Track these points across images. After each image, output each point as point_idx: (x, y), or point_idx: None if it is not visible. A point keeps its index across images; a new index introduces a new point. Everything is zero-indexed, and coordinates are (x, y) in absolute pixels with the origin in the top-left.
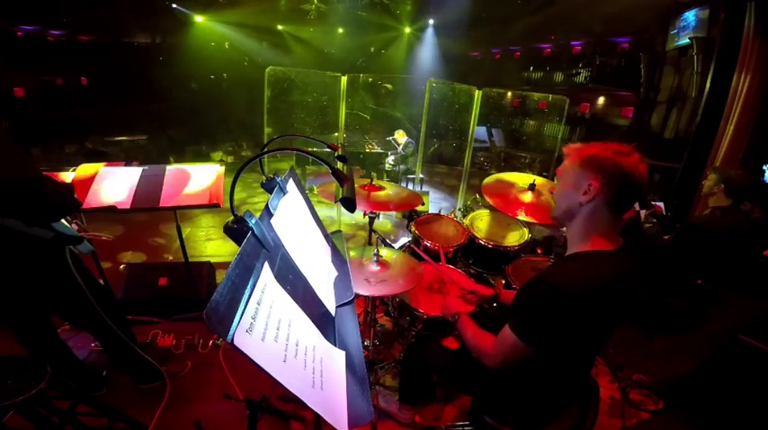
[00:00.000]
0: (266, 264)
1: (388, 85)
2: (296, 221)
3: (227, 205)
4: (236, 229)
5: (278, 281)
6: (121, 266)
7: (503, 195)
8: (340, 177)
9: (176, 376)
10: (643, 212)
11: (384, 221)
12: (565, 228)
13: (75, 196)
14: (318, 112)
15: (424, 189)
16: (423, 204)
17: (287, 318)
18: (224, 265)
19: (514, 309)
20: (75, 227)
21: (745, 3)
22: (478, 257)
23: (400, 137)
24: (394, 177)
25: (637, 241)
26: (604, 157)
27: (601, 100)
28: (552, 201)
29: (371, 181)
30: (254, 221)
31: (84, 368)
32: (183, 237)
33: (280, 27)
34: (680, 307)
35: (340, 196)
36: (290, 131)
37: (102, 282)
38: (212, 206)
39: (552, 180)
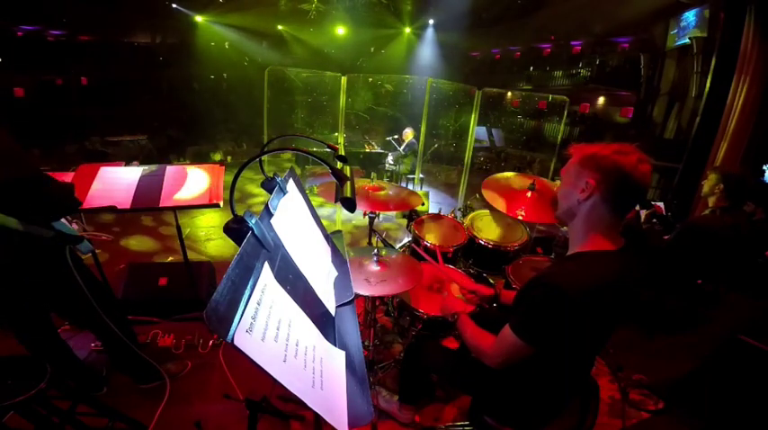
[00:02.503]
0: (266, 265)
1: (389, 86)
2: (296, 221)
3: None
4: (236, 229)
5: (278, 281)
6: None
7: (503, 195)
8: (340, 177)
9: (176, 376)
10: (643, 212)
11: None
12: (566, 228)
13: (76, 195)
14: (318, 112)
15: (423, 189)
16: (423, 204)
17: (287, 318)
18: (224, 265)
19: (515, 308)
20: (75, 226)
21: (746, 3)
22: (478, 257)
23: (407, 137)
24: (394, 177)
25: (637, 241)
26: (602, 156)
27: (601, 100)
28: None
29: (371, 181)
30: (254, 221)
31: (84, 368)
32: (183, 236)
33: (280, 27)
34: (680, 307)
35: (340, 196)
36: (291, 131)
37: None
38: (212, 206)
39: (552, 180)
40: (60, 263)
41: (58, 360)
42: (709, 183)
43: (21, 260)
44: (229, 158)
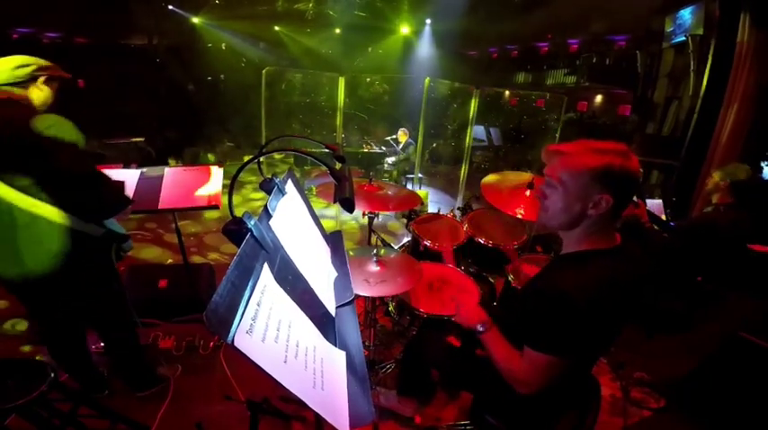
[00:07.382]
0: (266, 266)
1: (382, 87)
2: (295, 222)
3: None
4: (235, 231)
5: (278, 282)
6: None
7: (502, 194)
8: (338, 178)
9: (168, 380)
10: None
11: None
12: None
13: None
14: (316, 113)
15: (423, 189)
16: (422, 204)
17: (287, 319)
18: (224, 267)
19: (526, 328)
20: None
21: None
22: (478, 257)
23: (402, 137)
24: (392, 177)
25: (642, 240)
26: (617, 169)
27: (598, 98)
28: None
29: (370, 181)
30: (253, 222)
31: (93, 371)
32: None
33: (276, 28)
34: (680, 305)
35: (339, 196)
36: (289, 132)
37: None
38: (211, 208)
39: None
40: (104, 262)
41: (75, 361)
42: (715, 179)
43: (72, 259)
44: (227, 160)
